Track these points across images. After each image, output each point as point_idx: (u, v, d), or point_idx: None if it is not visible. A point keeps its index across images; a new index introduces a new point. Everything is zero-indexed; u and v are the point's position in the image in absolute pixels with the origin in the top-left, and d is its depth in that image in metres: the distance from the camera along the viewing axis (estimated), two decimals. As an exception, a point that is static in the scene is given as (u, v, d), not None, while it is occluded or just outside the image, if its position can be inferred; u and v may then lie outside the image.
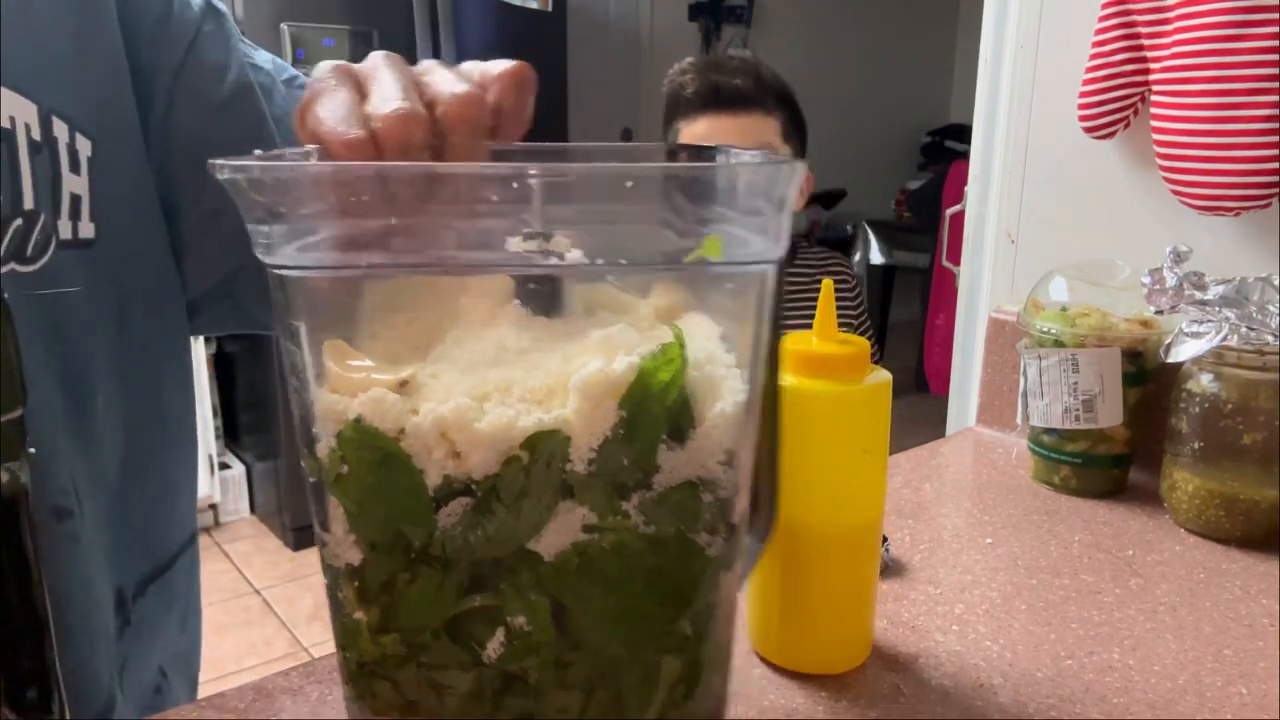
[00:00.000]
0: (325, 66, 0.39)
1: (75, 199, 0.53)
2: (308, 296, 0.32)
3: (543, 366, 0.32)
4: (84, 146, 0.53)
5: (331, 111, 0.36)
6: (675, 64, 1.23)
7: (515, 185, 0.30)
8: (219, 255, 0.61)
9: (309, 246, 0.30)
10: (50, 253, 0.52)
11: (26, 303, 0.51)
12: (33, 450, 0.34)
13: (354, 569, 0.33)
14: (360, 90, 0.38)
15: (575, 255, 0.30)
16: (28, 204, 0.51)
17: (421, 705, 0.33)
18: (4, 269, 0.50)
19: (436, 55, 2.51)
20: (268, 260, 0.31)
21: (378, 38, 2.42)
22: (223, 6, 0.63)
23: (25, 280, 0.51)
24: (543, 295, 0.35)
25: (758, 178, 0.31)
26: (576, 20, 3.08)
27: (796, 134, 1.23)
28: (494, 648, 0.32)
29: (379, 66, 0.39)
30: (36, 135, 0.51)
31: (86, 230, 0.54)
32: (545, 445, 0.31)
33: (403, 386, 0.31)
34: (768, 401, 0.40)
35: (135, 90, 0.57)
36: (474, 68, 0.40)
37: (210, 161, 0.30)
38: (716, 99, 1.16)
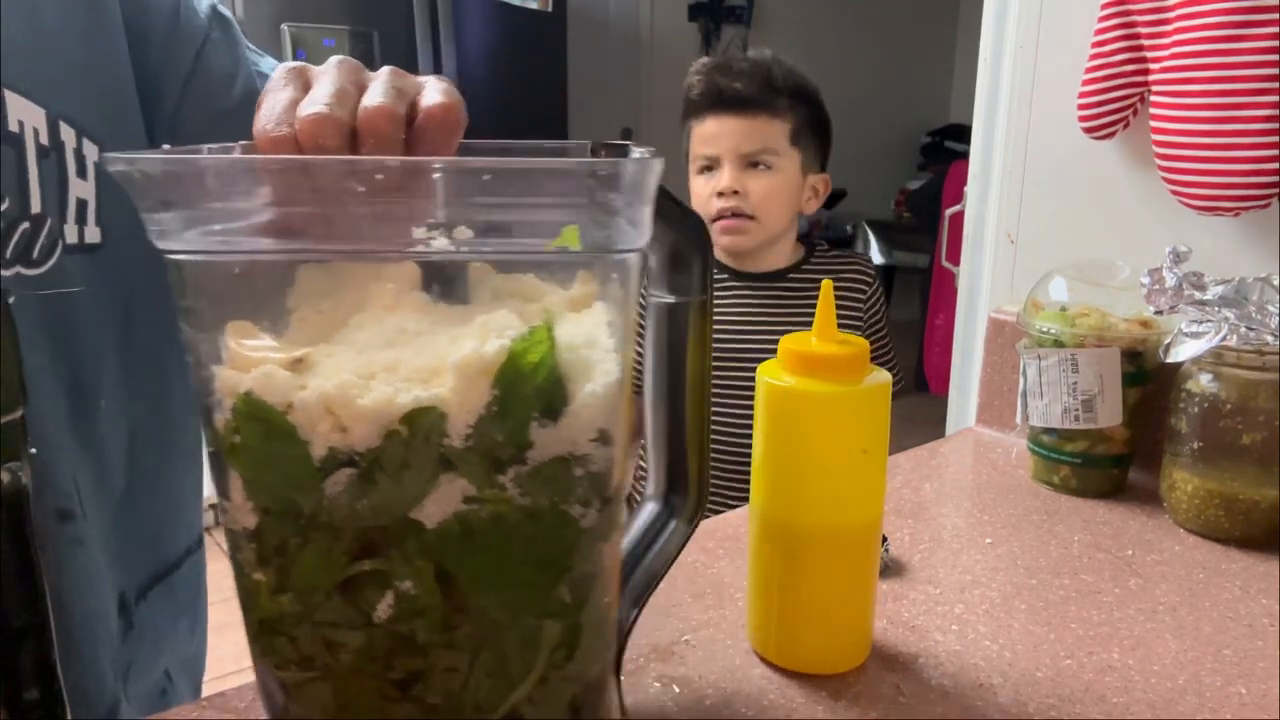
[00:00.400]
0: (282, 68, 0.41)
1: (82, 204, 0.53)
2: (198, 280, 0.34)
3: (430, 348, 0.34)
4: (91, 152, 0.54)
5: (268, 110, 0.38)
6: (694, 62, 1.24)
7: (380, 177, 0.32)
8: None
9: (202, 233, 0.33)
10: (56, 256, 0.52)
11: (31, 304, 0.51)
12: (34, 451, 0.34)
13: (251, 532, 0.35)
14: (306, 91, 0.40)
15: (441, 243, 0.32)
16: (35, 208, 0.51)
17: (317, 661, 0.35)
18: (9, 271, 0.50)
19: (437, 55, 2.52)
20: (161, 245, 0.33)
21: (378, 38, 2.43)
22: (229, 14, 0.63)
23: (30, 282, 0.51)
24: (447, 283, 0.37)
25: (623, 173, 0.33)
26: (576, 20, 3.08)
27: (813, 135, 1.21)
28: (383, 609, 0.34)
29: (325, 71, 0.40)
30: (45, 140, 0.51)
31: (93, 235, 0.54)
32: (422, 420, 0.33)
33: (296, 364, 0.33)
34: (699, 388, 0.44)
35: (141, 96, 0.58)
36: (418, 87, 0.41)
37: (102, 154, 0.32)
38: (720, 101, 1.17)
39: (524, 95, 2.73)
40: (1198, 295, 0.69)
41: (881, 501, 0.52)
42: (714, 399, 1.15)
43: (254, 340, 0.34)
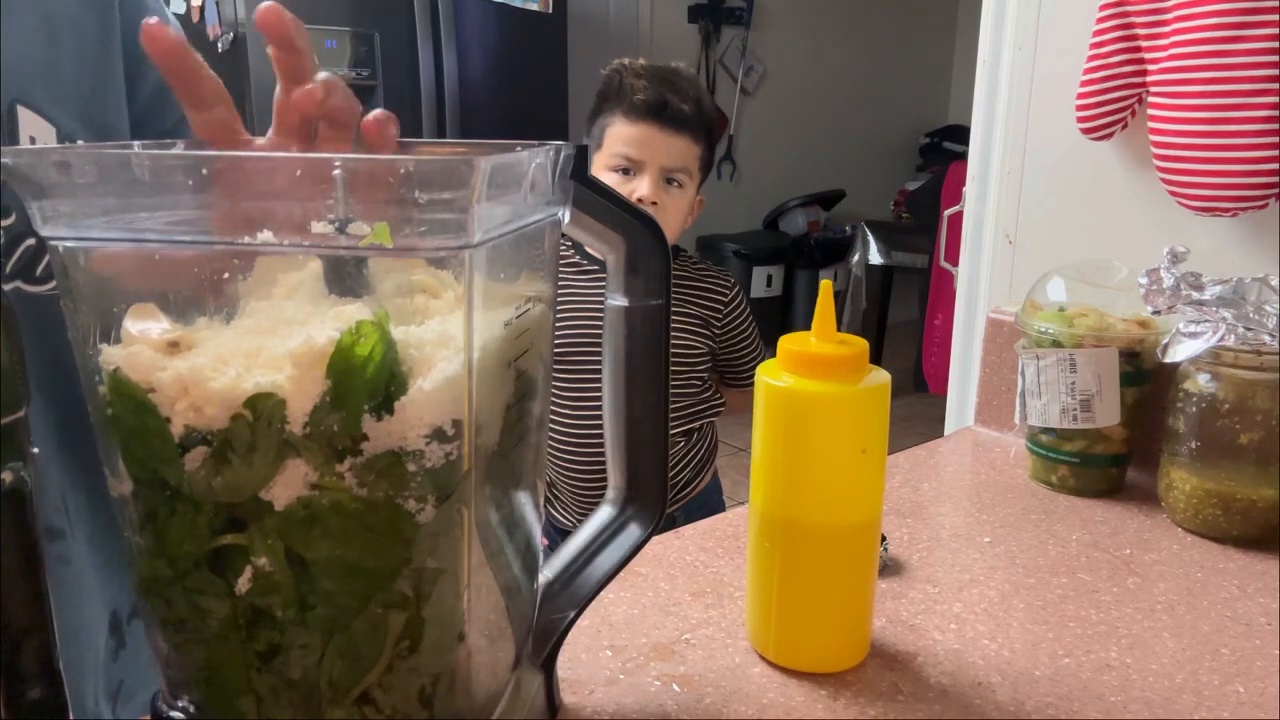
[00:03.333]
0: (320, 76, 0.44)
1: None
2: (77, 265, 0.36)
3: (295, 337, 0.35)
4: None
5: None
6: (625, 59, 1.25)
7: (204, 171, 0.33)
8: None
9: (94, 223, 0.35)
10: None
11: (24, 317, 0.51)
12: (36, 450, 0.34)
13: (127, 498, 0.37)
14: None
15: (265, 235, 0.33)
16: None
17: (190, 624, 0.37)
18: (8, 285, 0.51)
19: (437, 56, 2.52)
20: (43, 232, 0.35)
21: (379, 39, 2.43)
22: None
23: (29, 298, 0.52)
24: (338, 274, 0.38)
25: (426, 172, 0.34)
26: (576, 20, 3.08)
27: (708, 165, 1.28)
28: (243, 582, 0.36)
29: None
30: None
31: None
32: (263, 405, 0.34)
33: (172, 347, 0.35)
34: (654, 392, 0.44)
35: (134, 135, 0.59)
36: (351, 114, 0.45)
37: None
38: (661, 114, 1.19)
39: (524, 95, 2.73)
40: (1195, 295, 0.69)
41: (880, 501, 0.53)
42: (568, 377, 1.18)
43: (145, 322, 0.36)
